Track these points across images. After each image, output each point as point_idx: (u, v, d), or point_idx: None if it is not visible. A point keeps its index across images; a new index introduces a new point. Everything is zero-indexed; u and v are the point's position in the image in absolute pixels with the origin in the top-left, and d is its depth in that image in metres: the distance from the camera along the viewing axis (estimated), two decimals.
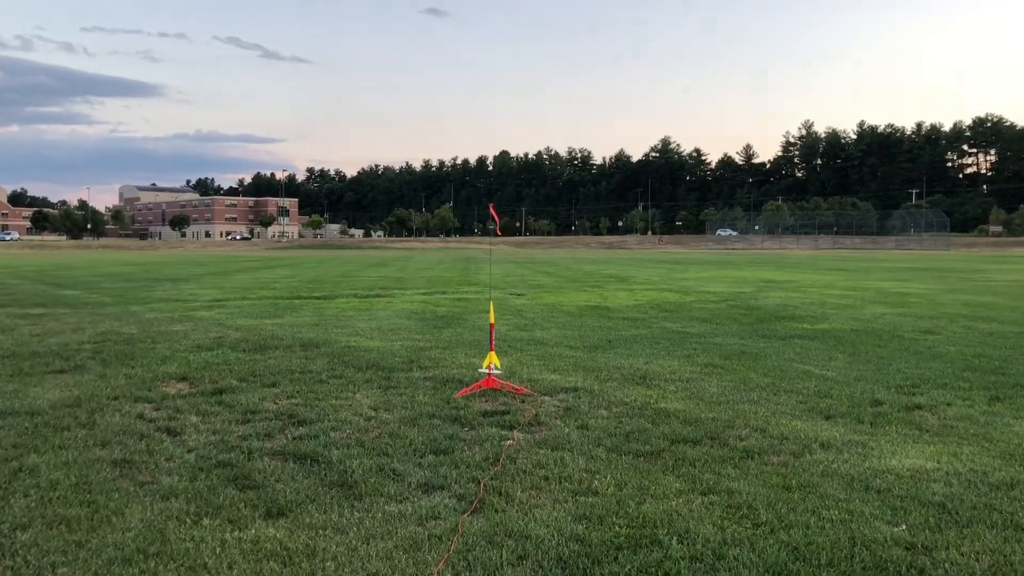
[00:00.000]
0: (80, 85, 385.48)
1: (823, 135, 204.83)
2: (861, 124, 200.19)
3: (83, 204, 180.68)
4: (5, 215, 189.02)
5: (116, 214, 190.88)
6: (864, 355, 10.17)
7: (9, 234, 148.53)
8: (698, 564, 3.84)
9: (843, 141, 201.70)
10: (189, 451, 5.69)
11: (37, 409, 6.93)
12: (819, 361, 9.68)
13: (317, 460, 5.43)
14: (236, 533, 4.18)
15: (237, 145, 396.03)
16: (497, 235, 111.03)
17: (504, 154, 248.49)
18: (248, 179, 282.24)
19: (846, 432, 6.26)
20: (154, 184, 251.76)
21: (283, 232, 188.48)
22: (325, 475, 5.12)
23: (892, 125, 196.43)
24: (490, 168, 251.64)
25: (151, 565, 3.79)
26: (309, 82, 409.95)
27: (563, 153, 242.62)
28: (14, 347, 10.60)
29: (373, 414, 6.79)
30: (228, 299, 19.09)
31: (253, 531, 4.21)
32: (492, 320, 8.38)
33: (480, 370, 8.06)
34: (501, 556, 3.91)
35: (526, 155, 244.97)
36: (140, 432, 6.20)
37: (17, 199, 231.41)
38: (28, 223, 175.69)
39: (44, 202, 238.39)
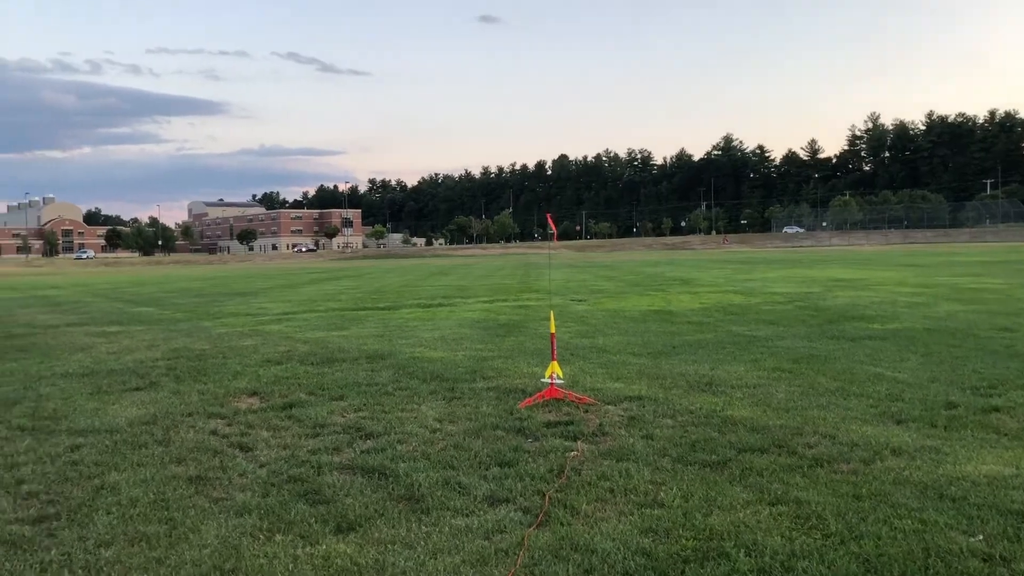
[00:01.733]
0: (147, 105, 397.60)
1: (890, 127, 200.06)
2: (930, 114, 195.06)
3: (154, 221, 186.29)
4: (81, 234, 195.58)
5: (186, 230, 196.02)
6: (938, 355, 9.91)
7: (85, 252, 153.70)
8: None
9: (911, 132, 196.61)
10: (261, 466, 5.83)
11: (116, 427, 7.17)
12: (890, 363, 9.47)
13: (384, 474, 5.52)
14: (308, 549, 4.28)
15: (300, 159, 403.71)
16: (554, 242, 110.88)
17: (563, 158, 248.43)
18: (312, 192, 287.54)
19: (919, 437, 6.12)
20: (221, 199, 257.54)
21: (347, 243, 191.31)
22: (392, 489, 5.20)
23: (963, 114, 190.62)
24: (549, 172, 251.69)
25: None
26: (367, 94, 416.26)
27: (623, 154, 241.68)
28: (93, 365, 10.97)
29: (438, 426, 6.86)
30: (296, 312, 19.46)
31: (324, 546, 4.30)
32: (552, 329, 8.39)
33: (543, 380, 8.08)
34: (567, 570, 3.92)
35: (585, 158, 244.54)
36: (214, 448, 6.37)
37: (92, 218, 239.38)
38: (103, 241, 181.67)
39: (117, 220, 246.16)
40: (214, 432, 6.92)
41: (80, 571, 4.09)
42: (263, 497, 5.12)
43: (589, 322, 14.91)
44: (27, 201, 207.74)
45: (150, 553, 4.28)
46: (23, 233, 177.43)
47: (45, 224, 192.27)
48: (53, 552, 4.33)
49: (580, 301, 20.21)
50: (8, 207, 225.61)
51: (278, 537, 4.45)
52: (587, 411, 7.24)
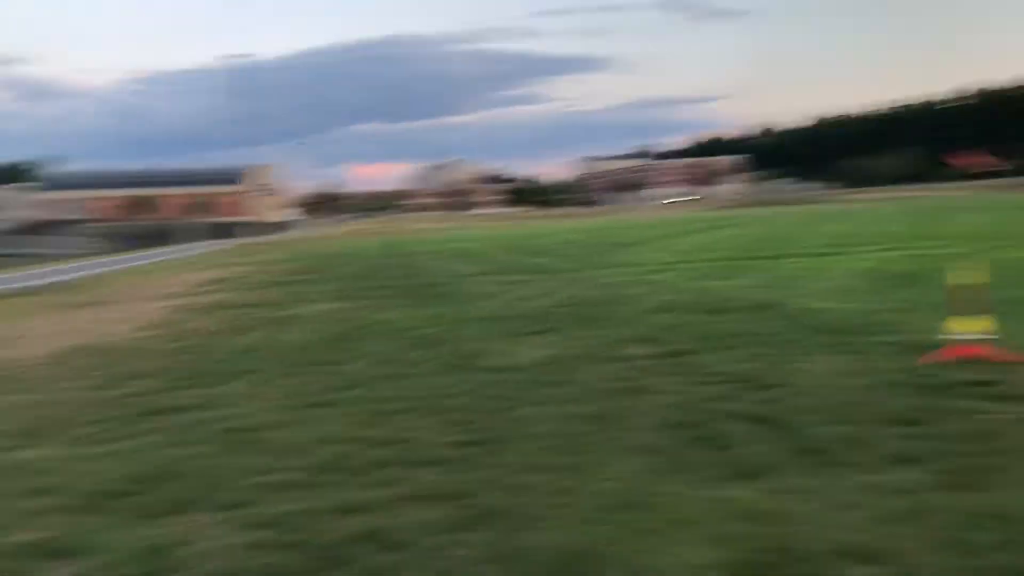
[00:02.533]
0: (535, 68, 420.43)
1: None
2: None
3: (542, 177, 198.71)
4: (482, 191, 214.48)
5: (571, 184, 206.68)
6: None
7: (486, 209, 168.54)
8: None
9: None
10: (656, 410, 6.05)
11: (522, 366, 7.88)
12: None
13: (780, 425, 5.46)
14: (708, 491, 4.37)
15: (677, 108, 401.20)
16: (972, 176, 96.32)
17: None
18: (691, 141, 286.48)
19: None
20: (603, 154, 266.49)
21: (729, 191, 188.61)
22: (790, 440, 5.13)
23: None
24: (971, 103, 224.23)
25: (632, 515, 4.13)
26: (744, 36, 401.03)
27: None
28: (500, 310, 12.10)
29: (833, 380, 6.62)
30: (678, 262, 19.72)
31: (724, 491, 4.37)
32: (963, 280, 7.56)
33: (948, 335, 7.35)
34: (983, 539, 3.61)
35: None
36: (610, 390, 6.74)
37: (490, 177, 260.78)
38: (499, 197, 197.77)
39: (511, 178, 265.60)
40: (609, 375, 7.31)
41: (499, 492, 4.55)
42: (659, 439, 5.32)
43: (1012, 272, 13.22)
44: (438, 163, 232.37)
45: (559, 483, 4.65)
46: (435, 192, 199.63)
47: (453, 183, 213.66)
48: (476, 473, 4.88)
49: (1000, 248, 18.00)
50: (424, 169, 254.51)
51: (678, 477, 4.61)
52: (1010, 372, 6.49)
